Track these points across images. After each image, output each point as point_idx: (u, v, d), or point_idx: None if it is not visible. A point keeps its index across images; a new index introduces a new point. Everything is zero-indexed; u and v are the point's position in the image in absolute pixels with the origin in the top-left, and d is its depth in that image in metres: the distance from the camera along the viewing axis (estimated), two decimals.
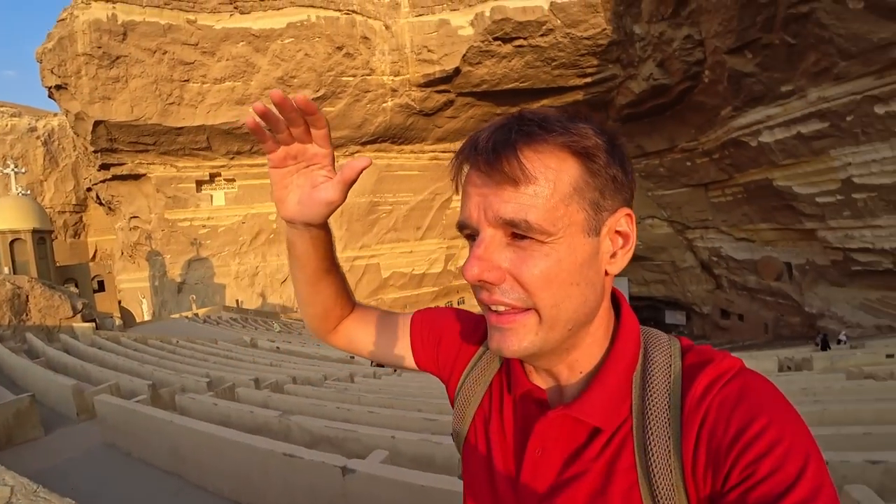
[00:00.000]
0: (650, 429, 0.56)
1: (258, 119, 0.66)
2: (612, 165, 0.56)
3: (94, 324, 15.24)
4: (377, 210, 39.62)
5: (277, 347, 16.29)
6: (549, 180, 0.53)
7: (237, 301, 36.05)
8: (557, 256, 0.54)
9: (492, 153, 0.54)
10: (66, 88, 29.73)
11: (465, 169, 0.59)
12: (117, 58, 29.03)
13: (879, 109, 19.26)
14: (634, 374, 0.60)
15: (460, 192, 0.61)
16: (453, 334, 0.85)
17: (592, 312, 0.60)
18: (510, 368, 0.71)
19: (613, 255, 0.59)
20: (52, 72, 29.49)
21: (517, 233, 0.54)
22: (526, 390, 0.67)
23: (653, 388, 0.58)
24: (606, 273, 0.59)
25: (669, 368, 0.59)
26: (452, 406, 0.81)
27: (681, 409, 0.55)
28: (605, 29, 29.90)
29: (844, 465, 2.65)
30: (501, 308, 0.57)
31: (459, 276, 45.20)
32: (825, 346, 14.74)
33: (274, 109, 0.67)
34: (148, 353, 11.18)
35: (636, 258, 35.80)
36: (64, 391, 6.31)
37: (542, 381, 0.67)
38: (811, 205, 23.48)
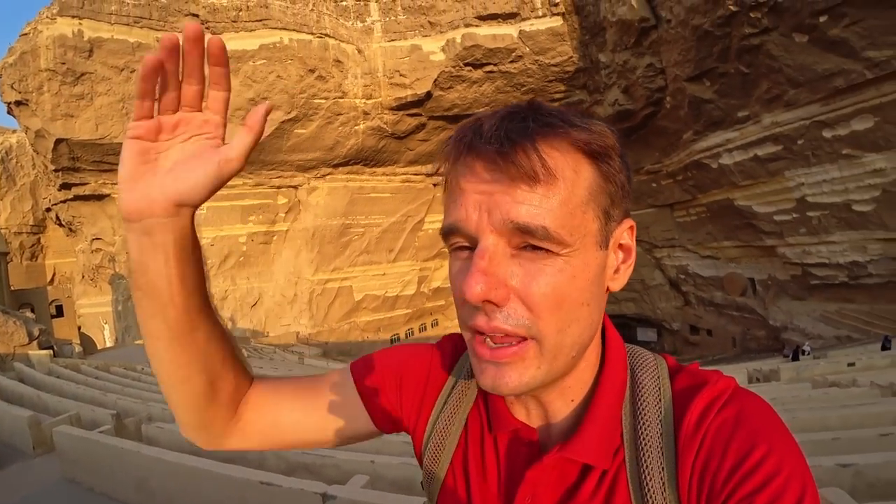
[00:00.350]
0: (644, 461, 0.51)
1: (161, 58, 0.48)
2: (623, 170, 0.50)
3: (51, 351, 14.51)
4: (349, 232, 39.41)
5: None
6: (569, 181, 0.45)
7: None
8: (572, 272, 0.46)
9: (505, 142, 0.44)
10: (27, 105, 28.76)
11: (461, 160, 0.49)
12: (82, 74, 28.33)
13: (827, 133, 20.57)
14: (624, 401, 0.55)
15: (448, 189, 0.51)
16: (414, 372, 0.71)
17: (594, 335, 0.54)
18: (489, 402, 0.63)
19: (616, 271, 0.53)
20: (12, 87, 28.52)
21: (529, 243, 0.45)
22: (513, 430, 0.59)
23: (644, 415, 0.53)
24: (608, 290, 0.53)
25: (659, 392, 0.55)
26: (419, 453, 0.69)
27: (675, 438, 0.51)
28: (571, 56, 31.08)
29: (817, 469, 2.75)
30: (498, 336, 0.48)
31: (433, 297, 45.20)
32: (796, 358, 15.33)
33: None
34: (111, 381, 10.69)
35: None
36: (19, 423, 5.96)
37: (527, 417, 0.60)
38: (770, 223, 24.65)
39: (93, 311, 34.68)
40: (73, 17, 27.92)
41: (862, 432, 3.90)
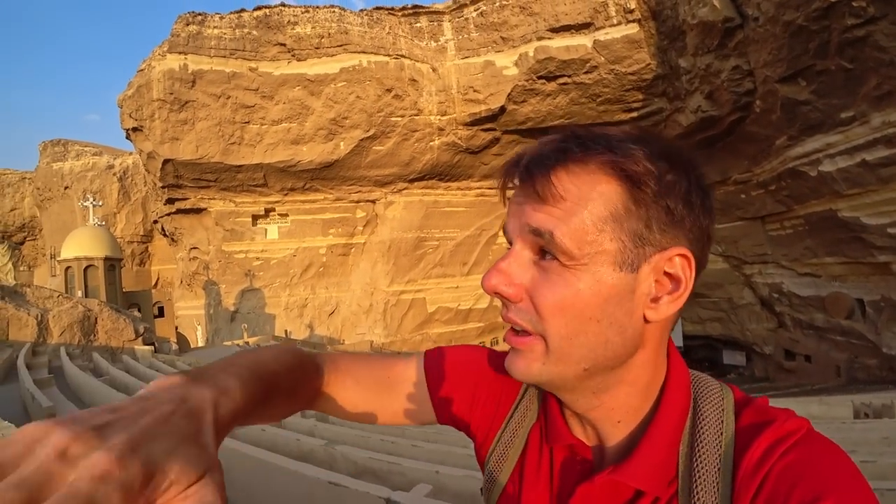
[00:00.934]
0: (697, 494, 0.50)
1: None
2: (668, 196, 0.50)
3: (153, 347, 16.14)
4: (424, 245, 40.28)
5: None
6: (582, 200, 0.49)
7: (286, 331, 37.15)
8: (578, 286, 0.50)
9: (525, 172, 0.54)
10: (142, 130, 32.65)
11: (505, 181, 0.60)
12: (186, 102, 31.71)
13: None
14: (683, 432, 0.54)
15: (506, 205, 0.60)
16: (490, 381, 0.75)
17: (617, 358, 0.53)
18: (549, 417, 0.65)
19: (655, 300, 0.52)
20: (130, 115, 32.56)
21: (544, 249, 0.51)
22: (568, 445, 0.61)
23: (702, 448, 0.52)
24: (647, 320, 0.52)
25: (721, 426, 0.53)
26: (483, 459, 0.72)
27: (733, 475, 0.49)
28: (649, 64, 29.82)
29: None
30: (517, 328, 0.55)
31: None
32: None
33: None
34: None
35: (690, 295, 34.16)
36: None
37: (583, 434, 0.61)
38: (883, 236, 21.83)
39: (188, 314, 38.26)
40: (180, 52, 31.45)
41: None
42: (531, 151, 0.55)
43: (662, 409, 0.55)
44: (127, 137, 34.77)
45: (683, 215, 0.50)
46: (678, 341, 34.21)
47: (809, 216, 25.38)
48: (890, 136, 19.96)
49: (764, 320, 31.31)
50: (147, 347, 15.80)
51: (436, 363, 0.77)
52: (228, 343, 29.52)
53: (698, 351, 35.08)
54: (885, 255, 22.16)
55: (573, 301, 0.50)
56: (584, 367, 0.52)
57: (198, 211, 36.42)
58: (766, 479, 0.47)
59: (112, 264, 30.69)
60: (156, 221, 41.08)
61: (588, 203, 0.49)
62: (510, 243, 0.56)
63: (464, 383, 0.75)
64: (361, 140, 34.31)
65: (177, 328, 35.38)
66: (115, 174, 50.41)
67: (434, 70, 34.34)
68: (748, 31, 24.09)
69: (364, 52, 33.13)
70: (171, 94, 31.23)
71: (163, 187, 34.83)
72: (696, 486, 0.50)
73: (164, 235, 41.58)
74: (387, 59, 33.39)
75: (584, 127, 0.56)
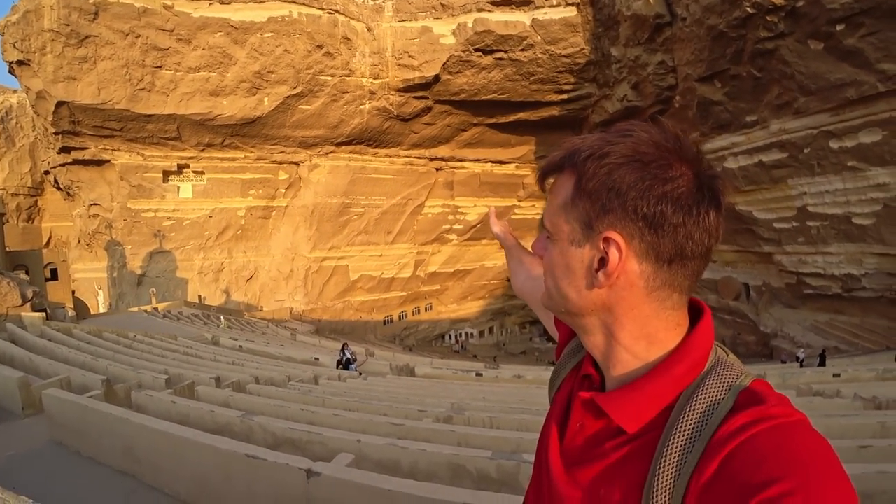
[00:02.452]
0: (670, 446, 0.57)
1: None
2: (602, 191, 0.62)
3: (44, 314, 14.49)
4: (349, 211, 39.30)
5: (240, 346, 15.88)
6: (555, 196, 0.69)
7: (199, 297, 34.98)
8: (553, 253, 0.70)
9: (538, 175, 0.73)
10: (29, 65, 28.36)
11: None
12: (86, 37, 27.91)
13: (834, 144, 20.46)
14: (682, 394, 0.62)
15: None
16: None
17: (578, 309, 0.68)
18: (584, 357, 0.81)
19: (596, 273, 0.63)
20: (14, 46, 28.08)
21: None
22: (586, 373, 0.76)
23: (691, 411, 0.59)
24: (595, 285, 0.64)
25: (720, 401, 0.59)
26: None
27: (710, 439, 0.55)
28: (583, 48, 30.72)
29: None
30: None
31: (428, 282, 45.31)
32: (822, 363, 15.48)
33: None
34: (102, 347, 10.72)
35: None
36: (9, 384, 5.98)
37: (597, 371, 0.75)
38: (769, 230, 24.64)
39: (87, 277, 34.70)
40: None
41: (841, 443, 3.94)
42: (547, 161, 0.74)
43: (659, 368, 0.64)
44: (10, 72, 30.01)
45: (614, 207, 0.60)
46: None
47: None
48: (784, 141, 22.32)
49: None
50: (37, 314, 14.13)
51: None
52: (135, 309, 27.29)
53: None
54: (770, 246, 25.07)
55: (550, 263, 0.70)
56: (561, 309, 0.71)
57: (99, 163, 32.63)
58: (740, 447, 0.51)
59: None
60: (47, 172, 36.35)
61: (556, 198, 0.68)
62: None
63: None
64: (287, 97, 32.33)
65: (74, 293, 31.98)
66: None
67: (369, 30, 32.92)
68: (676, 29, 25.50)
69: (295, 3, 30.92)
70: (68, 25, 27.29)
71: (56, 133, 30.69)
72: (673, 439, 0.58)
73: (59, 189, 36.95)
74: (320, 12, 31.44)
75: (580, 139, 0.67)
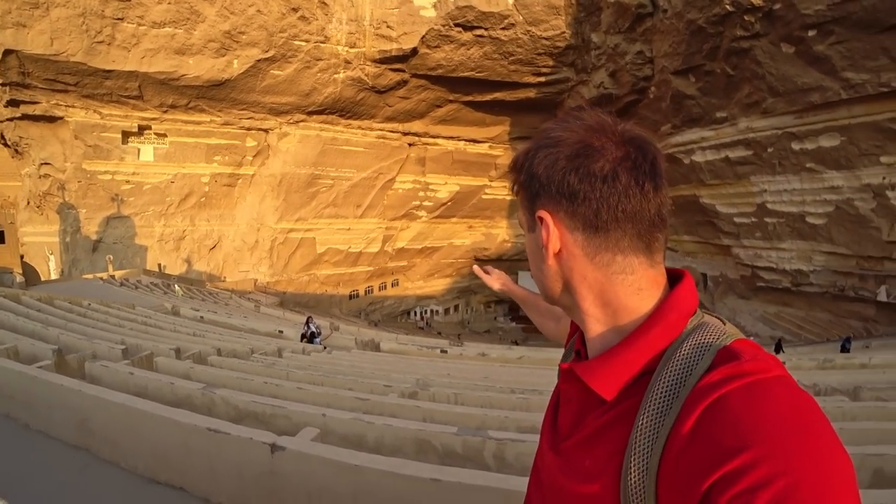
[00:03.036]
0: (647, 408, 0.58)
1: None
2: (529, 180, 0.70)
3: None
4: (317, 183, 38.44)
5: (202, 317, 15.48)
6: (518, 189, 0.73)
7: (159, 265, 33.76)
8: (530, 243, 0.74)
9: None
10: None
11: None
12: None
13: (796, 146, 21.31)
14: (664, 355, 0.62)
15: None
16: None
17: (552, 291, 0.73)
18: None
19: (545, 249, 0.69)
20: None
21: None
22: (577, 348, 0.78)
23: (668, 374, 0.59)
24: (550, 261, 0.70)
25: (698, 361, 0.58)
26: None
27: (685, 399, 0.55)
28: (564, 32, 30.62)
29: None
30: None
31: (396, 257, 45.16)
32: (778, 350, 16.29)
33: None
34: (54, 315, 10.24)
35: None
36: None
37: (584, 347, 0.76)
38: (729, 223, 25.63)
39: (38, 241, 32.79)
40: None
41: None
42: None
43: (633, 335, 0.65)
44: None
45: (539, 189, 0.68)
46: None
47: (677, 198, 28.76)
48: (750, 139, 23.07)
49: None
50: None
51: None
52: (89, 276, 26.15)
53: None
54: (729, 239, 26.11)
55: (532, 254, 0.74)
56: (545, 294, 0.75)
57: (51, 119, 30.57)
58: (709, 408, 0.52)
59: None
60: None
61: (518, 190, 0.73)
62: None
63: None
64: (258, 61, 30.98)
65: (22, 257, 30.21)
66: None
67: None
68: (657, 20, 25.70)
69: None
70: None
71: (3, 85, 28.43)
72: (649, 404, 0.59)
73: (6, 145, 34.39)
74: None
75: (543, 132, 0.71)
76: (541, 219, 0.68)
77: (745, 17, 20.71)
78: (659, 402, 0.58)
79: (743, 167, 23.87)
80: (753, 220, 24.22)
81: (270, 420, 4.05)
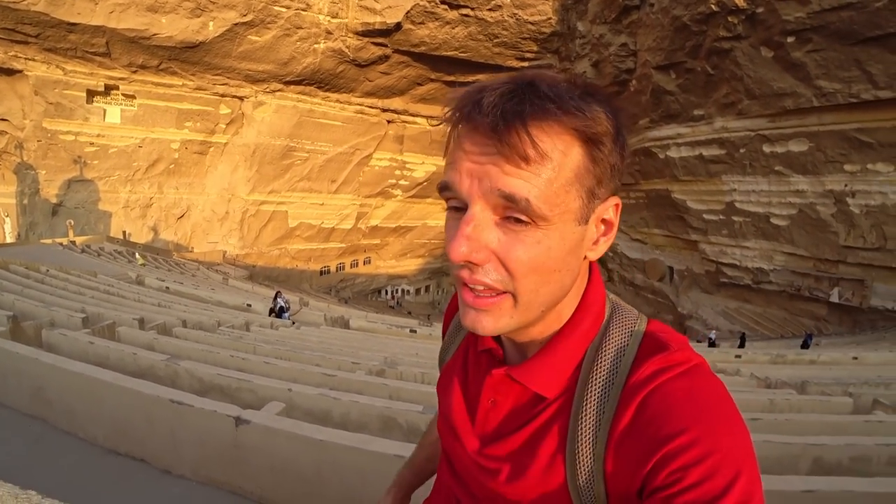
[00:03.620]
0: (587, 400, 0.58)
1: None
2: (615, 153, 0.53)
3: None
4: (292, 155, 37.59)
5: (167, 287, 15.09)
6: (556, 163, 0.49)
7: (124, 233, 32.59)
8: (548, 244, 0.51)
9: (501, 120, 0.48)
10: None
11: (460, 127, 0.53)
12: None
13: (766, 148, 21.97)
14: (589, 347, 0.61)
15: (448, 148, 0.55)
16: (447, 321, 0.89)
17: (565, 295, 0.59)
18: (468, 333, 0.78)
19: (596, 242, 0.57)
20: None
21: (511, 214, 0.50)
22: (487, 348, 0.69)
23: (601, 363, 0.59)
24: (585, 258, 0.59)
25: (625, 348, 0.59)
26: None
27: (622, 388, 0.56)
28: (550, 18, 30.47)
29: None
30: (480, 288, 0.54)
31: (369, 235, 44.82)
32: (712, 345, 16.81)
33: None
34: (9, 281, 9.80)
35: None
36: None
37: (505, 342, 0.69)
38: (698, 220, 26.38)
39: None
40: None
41: None
42: (495, 95, 0.50)
43: (568, 326, 0.62)
44: None
45: (620, 168, 0.54)
46: None
47: (650, 192, 29.40)
48: (724, 139, 23.65)
49: None
50: None
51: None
52: (48, 241, 25.02)
53: None
54: (697, 234, 26.91)
55: (545, 259, 0.51)
56: (542, 309, 0.57)
57: (9, 72, 28.71)
58: (649, 396, 0.53)
59: None
60: None
61: (560, 165, 0.49)
62: (462, 201, 0.53)
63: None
64: (236, 24, 29.77)
65: None
66: None
67: None
68: (643, 14, 25.80)
69: None
70: None
71: None
72: (588, 393, 0.58)
73: None
74: None
75: (543, 78, 0.51)
76: (616, 205, 0.57)
77: (729, 18, 21.02)
78: (598, 396, 0.57)
79: (715, 165, 24.50)
80: (721, 217, 24.99)
81: (236, 393, 4.02)
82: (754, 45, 20.88)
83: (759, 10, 19.87)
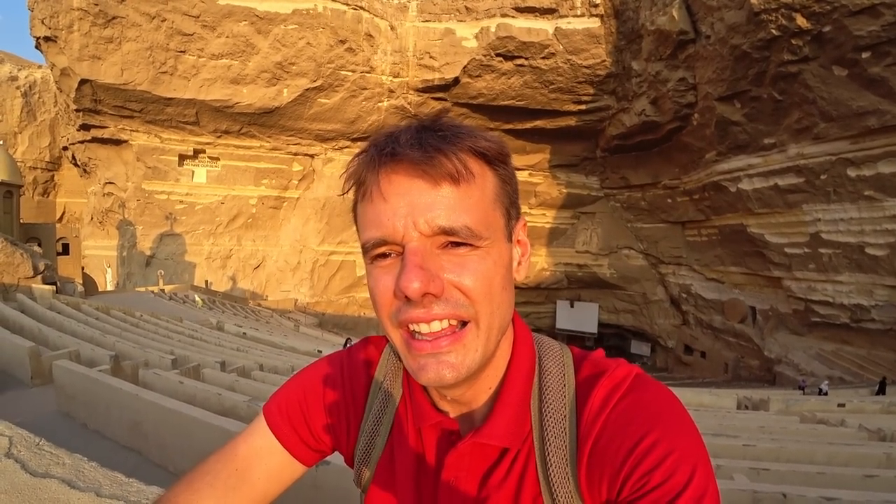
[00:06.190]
0: (549, 442, 0.58)
1: None
2: (514, 175, 0.58)
3: (54, 287, 14.66)
4: None
5: (244, 333, 15.97)
6: (480, 182, 0.52)
7: (206, 282, 35.22)
8: (492, 260, 0.53)
9: (428, 147, 0.50)
10: (56, 41, 28.77)
11: (383, 169, 0.52)
12: (114, 18, 28.28)
13: (852, 172, 20.26)
14: (533, 387, 0.61)
15: (367, 200, 0.53)
16: (325, 395, 0.72)
17: (511, 317, 0.60)
18: (413, 399, 0.66)
19: (519, 263, 0.59)
20: (42, 22, 28.51)
21: (451, 240, 0.51)
22: (435, 422, 0.63)
23: (549, 401, 0.60)
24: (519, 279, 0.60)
25: (564, 380, 0.61)
26: (350, 457, 0.73)
27: (577, 423, 0.57)
28: (604, 60, 30.65)
29: (801, 499, 2.78)
30: (437, 327, 0.52)
31: None
32: (882, 391, 15.15)
33: None
34: (110, 324, 10.83)
35: (609, 286, 36.44)
36: (19, 352, 6.07)
37: (450, 408, 0.64)
38: (780, 254, 24.42)
39: (98, 254, 35.05)
40: None
41: (847, 470, 3.92)
42: (409, 134, 0.52)
43: (512, 369, 0.61)
44: (36, 47, 30.46)
45: (518, 190, 0.58)
46: (593, 328, 36.52)
47: (723, 227, 27.76)
48: (801, 166, 22.12)
49: (671, 316, 34.19)
50: (47, 287, 14.30)
51: (275, 413, 0.71)
52: (141, 289, 27.55)
53: (610, 339, 37.69)
54: (780, 270, 24.84)
55: (493, 275, 0.53)
56: (498, 336, 0.57)
57: (117, 142, 33.03)
58: (605, 425, 0.55)
59: (9, 190, 27.14)
60: (66, 148, 36.77)
61: (484, 186, 0.53)
62: (389, 246, 0.52)
63: (297, 418, 0.71)
64: (307, 90, 32.51)
65: (83, 269, 32.33)
66: (18, 88, 44.18)
67: (392, 28, 33.06)
68: (699, 46, 25.37)
69: None
70: (96, 4, 27.68)
71: (77, 111, 31.10)
72: (547, 435, 0.58)
73: (76, 165, 37.40)
74: (345, 7, 31.62)
75: (430, 116, 0.55)
76: (525, 224, 0.61)
77: (793, 41, 20.14)
78: (557, 432, 0.58)
79: (794, 195, 22.84)
80: (806, 250, 22.99)
81: None
82: (825, 66, 19.75)
83: (826, 28, 18.87)
